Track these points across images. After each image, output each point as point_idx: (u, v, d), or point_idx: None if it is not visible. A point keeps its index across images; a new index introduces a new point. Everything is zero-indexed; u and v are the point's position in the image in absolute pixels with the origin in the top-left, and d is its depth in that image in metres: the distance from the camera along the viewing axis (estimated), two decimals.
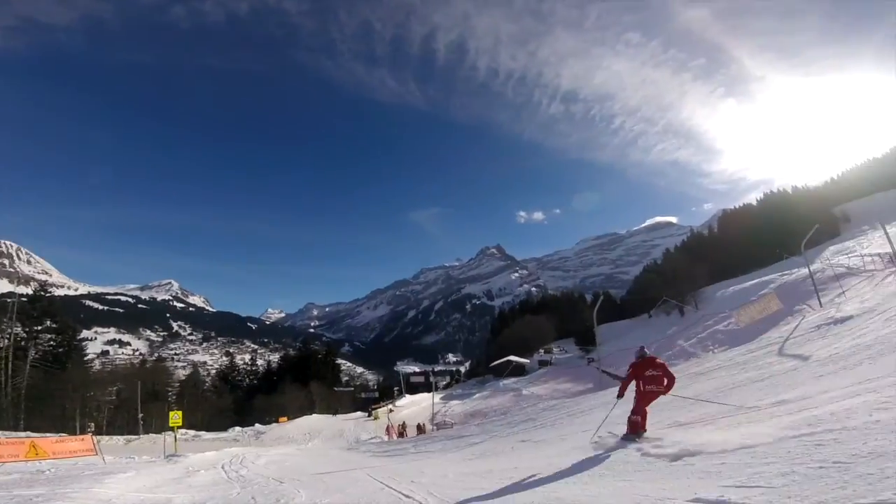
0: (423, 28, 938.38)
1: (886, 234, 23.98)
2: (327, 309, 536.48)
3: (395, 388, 60.49)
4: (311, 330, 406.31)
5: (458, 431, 18.86)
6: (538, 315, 70.06)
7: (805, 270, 23.62)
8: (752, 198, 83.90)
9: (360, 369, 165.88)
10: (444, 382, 79.73)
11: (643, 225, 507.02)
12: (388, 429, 30.15)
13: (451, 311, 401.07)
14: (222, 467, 11.98)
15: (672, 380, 6.59)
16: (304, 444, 28.49)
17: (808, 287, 21.91)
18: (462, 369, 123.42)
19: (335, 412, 46.22)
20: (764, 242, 50.11)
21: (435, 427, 29.15)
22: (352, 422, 38.55)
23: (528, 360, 53.12)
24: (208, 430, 37.24)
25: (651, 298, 52.49)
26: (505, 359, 53.48)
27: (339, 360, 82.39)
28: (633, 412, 6.58)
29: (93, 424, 31.84)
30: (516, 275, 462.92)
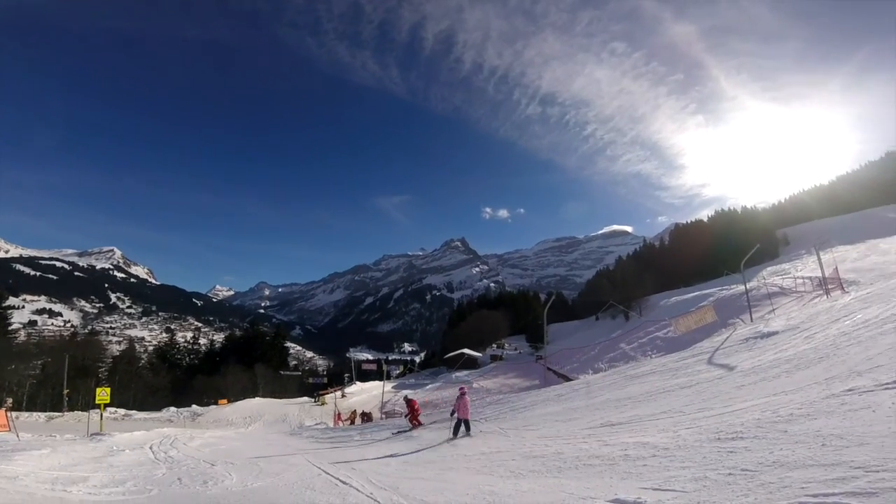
0: (414, 15, 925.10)
1: (819, 259, 26.14)
2: (280, 290, 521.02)
3: (346, 375, 59.78)
4: (262, 310, 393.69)
5: (406, 421, 18.89)
6: (494, 310, 71.36)
7: (742, 287, 25.35)
8: (705, 214, 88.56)
9: (310, 354, 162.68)
10: (398, 371, 79.66)
11: (600, 231, 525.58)
12: (336, 415, 29.82)
13: (411, 301, 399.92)
14: (150, 448, 11.45)
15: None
16: (244, 427, 27.63)
17: (742, 302, 23.54)
18: (417, 359, 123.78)
19: (280, 396, 45.12)
20: (710, 258, 53.13)
21: (384, 416, 29.11)
22: (296, 407, 37.74)
23: (481, 354, 54.06)
24: (141, 409, 35.34)
25: (600, 302, 54.63)
26: (459, 351, 54.02)
27: (289, 344, 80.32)
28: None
29: (10, 399, 29.30)
30: (477, 269, 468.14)
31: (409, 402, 14.53)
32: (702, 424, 5.60)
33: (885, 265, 27.80)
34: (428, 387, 43.06)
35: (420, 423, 13.81)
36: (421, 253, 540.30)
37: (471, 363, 51.50)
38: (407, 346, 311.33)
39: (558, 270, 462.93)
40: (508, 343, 59.14)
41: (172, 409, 35.64)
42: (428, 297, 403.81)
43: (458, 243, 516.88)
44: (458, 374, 45.95)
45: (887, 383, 4.80)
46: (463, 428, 9.86)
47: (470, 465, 6.49)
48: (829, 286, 23.68)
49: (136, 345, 76.83)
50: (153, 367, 52.60)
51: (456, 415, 10.11)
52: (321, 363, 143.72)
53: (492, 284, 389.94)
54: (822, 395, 5.24)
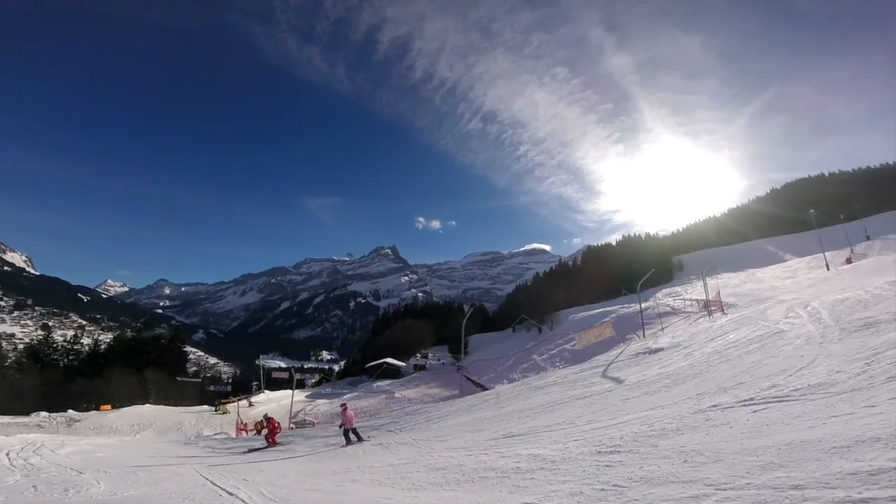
0: (374, 17, 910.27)
1: (705, 284, 29.80)
2: (183, 289, 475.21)
3: (255, 383, 55.90)
4: (160, 310, 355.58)
5: (316, 431, 18.12)
6: (420, 320, 71.57)
7: (636, 305, 28.03)
8: (614, 238, 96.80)
9: (213, 360, 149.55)
10: (313, 381, 76.13)
11: (522, 248, 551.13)
12: (240, 425, 27.73)
13: (333, 307, 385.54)
14: (7, 454, 10.01)
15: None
16: (130, 435, 24.68)
17: (638, 320, 26.02)
18: (336, 368, 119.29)
19: (176, 404, 40.96)
20: (616, 278, 57.93)
21: (293, 426, 27.72)
22: (194, 415, 34.45)
23: (404, 364, 53.62)
24: (3, 413, 30.31)
25: (517, 315, 57.32)
26: (381, 360, 53.34)
27: (189, 348, 73.33)
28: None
29: None
30: (406, 278, 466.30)
31: (269, 420, 14.15)
32: (588, 437, 5.90)
33: (760, 291, 32.25)
34: (346, 396, 41.77)
35: (275, 443, 13.42)
36: (347, 258, 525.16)
37: (393, 372, 50.81)
38: (325, 355, 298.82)
39: (482, 283, 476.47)
40: (432, 353, 59.38)
41: (44, 413, 30.98)
42: (352, 304, 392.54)
43: (389, 251, 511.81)
44: (379, 383, 45.08)
45: (745, 400, 5.48)
46: (353, 436, 11.12)
47: (374, 477, 6.42)
48: (712, 308, 27.00)
49: (3, 342, 65.44)
50: (22, 368, 45.14)
51: (343, 426, 11.37)
52: (226, 370, 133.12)
53: (420, 294, 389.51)
54: (691, 410, 5.83)
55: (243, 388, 56.13)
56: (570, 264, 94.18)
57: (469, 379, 36.39)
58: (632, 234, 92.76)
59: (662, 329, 23.71)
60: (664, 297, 40.31)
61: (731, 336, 10.49)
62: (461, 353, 40.12)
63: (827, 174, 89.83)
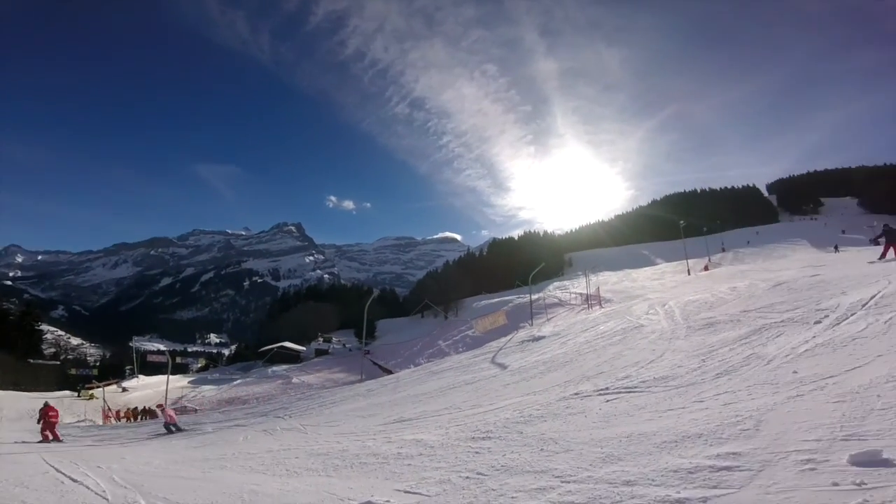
0: None
1: (587, 280, 32.87)
2: (41, 257, 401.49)
3: (128, 367, 49.89)
4: (9, 282, 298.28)
5: (197, 418, 16.68)
6: (325, 303, 69.19)
7: (533, 296, 30.02)
8: (517, 233, 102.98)
9: (76, 340, 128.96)
10: (199, 365, 69.70)
11: (435, 236, 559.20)
12: (107, 412, 24.71)
13: (223, 286, 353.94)
14: None
15: None
16: None
17: (531, 309, 27.94)
18: (226, 352, 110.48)
19: (29, 390, 34.90)
20: (516, 270, 61.60)
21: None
22: (53, 402, 29.87)
23: (305, 348, 51.87)
24: None
25: (426, 301, 58.26)
26: (279, 344, 50.95)
27: (45, 327, 62.39)
28: None
29: None
30: (311, 258, 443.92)
31: (43, 410, 12.30)
32: (468, 422, 6.05)
33: (632, 289, 36.38)
34: (236, 382, 39.38)
35: (54, 438, 11.83)
36: (244, 233, 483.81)
37: (292, 357, 49.09)
38: (214, 338, 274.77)
39: (395, 268, 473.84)
40: (337, 337, 57.88)
41: None
42: (246, 283, 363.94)
43: (293, 228, 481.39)
44: (275, 368, 43.24)
45: (602, 389, 5.89)
46: (173, 428, 12.13)
47: (248, 464, 6.20)
48: (592, 302, 29.93)
49: None
50: None
51: (166, 423, 12.44)
52: (94, 352, 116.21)
53: (326, 276, 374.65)
54: (556, 397, 6.17)
55: (114, 372, 50.44)
56: (476, 254, 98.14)
57: (376, 363, 36.63)
58: (533, 231, 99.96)
59: (549, 319, 25.61)
60: (554, 290, 43.86)
61: (601, 328, 11.52)
62: (369, 338, 39.66)
63: (699, 190, 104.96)
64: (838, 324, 5.74)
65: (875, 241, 15.60)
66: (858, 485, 2.12)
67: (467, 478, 3.77)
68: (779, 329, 6.29)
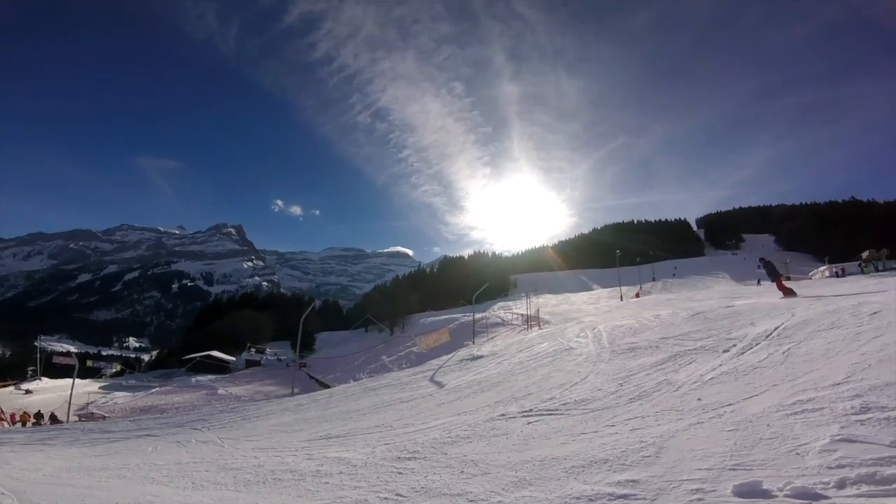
0: None
1: (528, 302, 33.86)
2: None
3: (30, 369, 45.08)
4: None
5: (105, 426, 15.06)
6: (261, 311, 66.13)
7: (477, 315, 30.42)
8: (467, 252, 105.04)
9: None
10: (113, 370, 63.81)
11: (386, 250, 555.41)
12: (1, 415, 22.49)
13: (149, 287, 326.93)
14: None
15: None
16: None
17: (475, 328, 28.20)
18: (146, 357, 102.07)
19: None
20: (464, 288, 62.35)
21: (78, 418, 23.56)
22: None
23: (235, 358, 49.16)
24: None
25: (374, 315, 57.11)
26: (205, 353, 47.87)
27: None
28: None
29: None
30: (250, 264, 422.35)
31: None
32: (397, 441, 5.91)
33: (569, 312, 37.94)
34: (154, 390, 36.64)
35: None
36: (178, 232, 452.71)
37: (220, 368, 46.38)
38: (133, 342, 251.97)
39: (341, 280, 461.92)
40: (271, 349, 55.20)
41: None
42: (175, 285, 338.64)
43: (233, 230, 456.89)
44: (199, 377, 40.75)
45: (526, 410, 5.95)
46: None
47: (150, 475, 5.81)
48: (532, 323, 30.79)
49: None
50: None
51: None
52: None
53: (265, 283, 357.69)
54: (485, 417, 6.15)
55: (13, 373, 46.71)
56: (427, 271, 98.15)
57: (312, 377, 35.72)
58: (482, 251, 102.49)
59: (491, 338, 25.97)
60: (498, 310, 44.79)
61: (536, 349, 11.78)
62: (307, 351, 38.32)
63: (635, 222, 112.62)
64: (743, 353, 6.21)
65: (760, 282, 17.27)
66: None
67: (385, 498, 3.71)
68: (691, 356, 6.71)
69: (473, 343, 22.81)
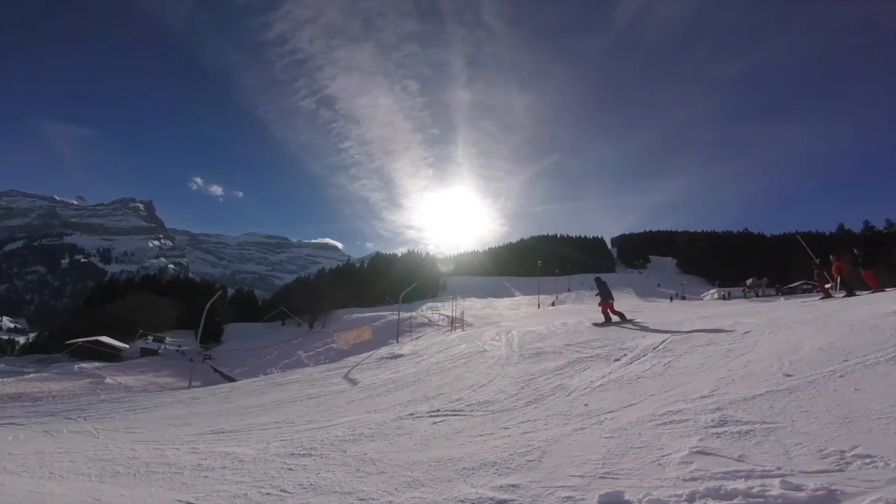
0: None
1: (454, 304, 34.59)
2: None
3: None
4: None
5: None
6: (164, 297, 60.39)
7: (405, 314, 30.45)
8: (401, 251, 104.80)
9: None
10: None
11: (314, 241, 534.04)
12: None
13: (33, 260, 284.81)
14: None
15: None
16: None
17: (403, 327, 28.20)
18: (21, 340, 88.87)
19: None
20: (395, 286, 62.17)
21: None
22: None
23: (129, 346, 44.58)
24: None
25: (293, 308, 54.53)
26: (94, 338, 43.10)
27: None
28: None
29: None
30: (157, 243, 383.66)
31: None
32: (296, 438, 5.72)
33: (491, 316, 39.25)
34: (29, 376, 32.32)
35: None
36: (76, 202, 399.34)
37: (110, 355, 42.01)
38: (7, 321, 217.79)
39: (260, 268, 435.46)
40: (173, 338, 50.68)
41: None
42: (66, 260, 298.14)
43: (141, 205, 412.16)
44: (84, 365, 36.54)
45: (434, 410, 6.07)
46: None
47: (1, 465, 5.25)
48: (456, 325, 31.45)
49: None
50: None
51: None
52: None
53: (171, 266, 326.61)
54: (393, 416, 6.18)
55: None
56: (356, 266, 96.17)
57: (217, 370, 34.01)
58: (416, 251, 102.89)
59: (417, 338, 26.13)
60: (426, 310, 45.17)
61: (453, 350, 12.08)
62: (214, 342, 35.94)
63: (559, 236, 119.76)
64: (631, 363, 6.86)
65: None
66: None
67: (268, 494, 3.58)
68: (587, 363, 7.29)
69: (398, 342, 22.77)
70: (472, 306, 45.11)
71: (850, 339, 5.42)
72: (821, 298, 13.31)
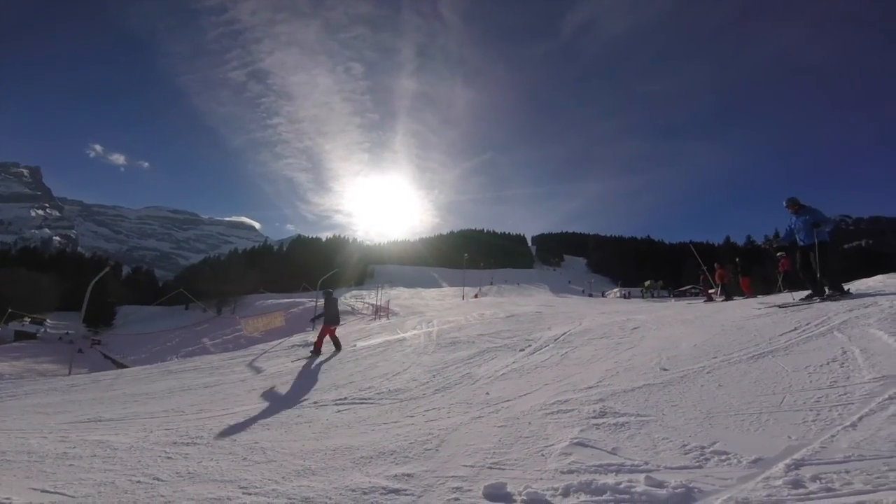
0: None
1: (378, 293, 34.29)
2: None
3: None
4: None
5: None
6: (45, 273, 52.45)
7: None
8: (325, 235, 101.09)
9: None
10: None
11: (227, 218, 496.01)
12: None
13: None
14: None
15: None
16: None
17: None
18: None
19: None
20: (317, 271, 59.92)
21: None
22: None
23: (1, 328, 38.38)
24: None
25: (197, 291, 50.07)
26: None
27: None
28: None
29: None
30: (41, 212, 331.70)
31: None
32: (182, 427, 5.23)
33: (417, 306, 39.38)
34: None
35: None
36: None
37: None
38: None
39: (162, 245, 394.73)
40: (55, 320, 44.39)
41: None
42: None
43: (25, 171, 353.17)
44: None
45: (340, 399, 5.90)
46: None
47: None
48: (381, 314, 31.12)
49: None
50: None
51: None
52: None
53: (57, 238, 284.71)
54: (294, 404, 5.96)
55: None
56: (274, 248, 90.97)
57: (108, 357, 31.00)
58: (342, 236, 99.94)
59: (341, 326, 25.42)
60: (350, 298, 44.13)
61: (373, 339, 11.95)
62: (103, 325, 32.37)
63: (485, 231, 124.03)
64: (533, 353, 7.24)
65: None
66: None
67: (138, 482, 3.27)
68: (495, 353, 7.58)
69: (314, 329, 21.96)
70: (400, 296, 44.96)
71: (721, 339, 5.95)
72: (704, 301, 15.09)
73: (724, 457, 2.78)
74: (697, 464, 2.75)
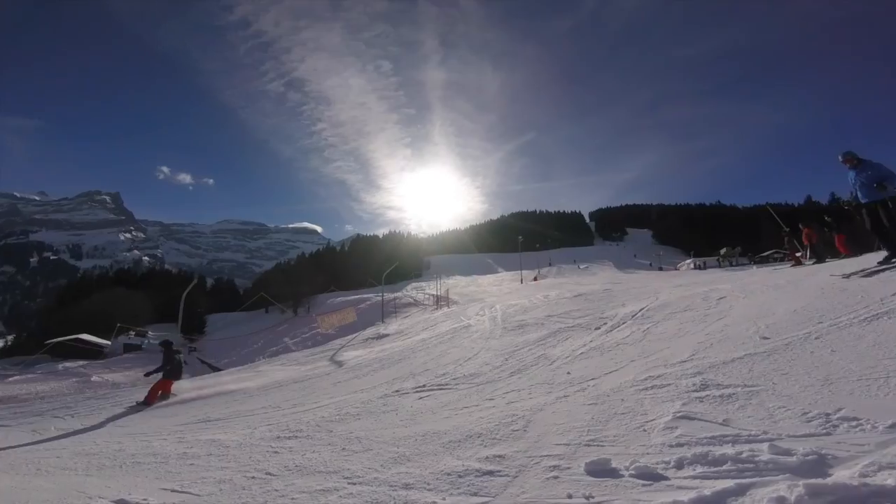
0: None
1: (438, 283, 34.70)
2: None
3: None
4: None
5: None
6: (140, 290, 58.67)
7: (391, 294, 30.47)
8: (381, 232, 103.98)
9: None
10: None
11: (291, 225, 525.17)
12: None
13: (1, 261, 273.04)
14: None
15: None
16: None
17: (388, 308, 28.21)
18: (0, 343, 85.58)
19: None
20: (377, 268, 61.91)
21: None
22: None
23: (111, 342, 43.45)
24: None
25: (274, 295, 53.74)
26: (73, 336, 41.79)
27: None
28: None
29: None
30: (128, 235, 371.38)
31: None
32: (282, 421, 5.67)
33: (476, 293, 39.55)
34: (13, 379, 31.63)
35: None
36: (38, 198, 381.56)
37: (92, 353, 40.85)
38: None
39: (238, 256, 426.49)
40: (155, 332, 49.54)
41: None
42: (34, 259, 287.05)
43: (107, 198, 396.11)
44: (68, 364, 35.58)
45: (420, 386, 6.10)
46: None
47: None
48: (441, 303, 31.63)
49: None
50: None
51: None
52: None
53: (146, 258, 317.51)
54: (379, 394, 6.19)
55: None
56: (337, 249, 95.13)
57: (204, 362, 33.52)
58: (397, 231, 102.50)
59: (404, 318, 26.24)
60: (411, 290, 45.20)
61: (438, 327, 12.17)
62: (197, 334, 35.45)
63: (537, 211, 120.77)
64: (611, 331, 6.97)
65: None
66: (587, 497, 2.28)
67: (253, 478, 3.53)
68: (568, 333, 7.41)
69: (383, 322, 22.81)
70: (457, 284, 45.34)
71: (822, 302, 5.41)
72: (791, 266, 13.57)
73: (854, 423, 2.54)
74: (825, 431, 2.53)
